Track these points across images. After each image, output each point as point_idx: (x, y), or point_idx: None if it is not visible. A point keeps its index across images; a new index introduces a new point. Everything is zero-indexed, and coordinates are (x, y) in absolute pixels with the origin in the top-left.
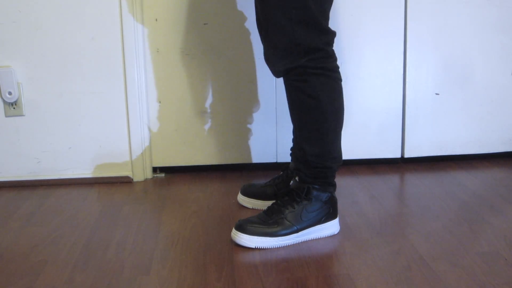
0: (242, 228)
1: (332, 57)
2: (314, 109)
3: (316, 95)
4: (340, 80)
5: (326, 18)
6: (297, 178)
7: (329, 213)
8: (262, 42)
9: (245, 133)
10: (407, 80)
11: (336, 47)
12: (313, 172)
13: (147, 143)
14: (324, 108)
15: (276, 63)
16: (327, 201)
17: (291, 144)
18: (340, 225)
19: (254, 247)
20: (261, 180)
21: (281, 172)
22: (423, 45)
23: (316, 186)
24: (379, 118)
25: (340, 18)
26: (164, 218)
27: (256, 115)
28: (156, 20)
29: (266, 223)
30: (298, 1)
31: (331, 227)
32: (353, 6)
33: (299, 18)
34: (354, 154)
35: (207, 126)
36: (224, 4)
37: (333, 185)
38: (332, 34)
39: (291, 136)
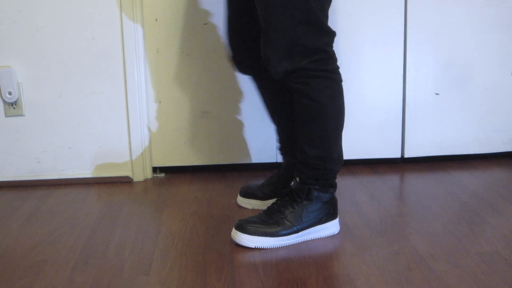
0: (242, 228)
1: (332, 58)
2: (316, 112)
3: (318, 98)
4: (341, 81)
5: (327, 17)
6: (297, 179)
7: (329, 213)
8: (261, 44)
9: (245, 133)
10: (407, 80)
11: (335, 47)
12: (314, 174)
13: (147, 143)
14: (326, 110)
15: (277, 65)
16: (327, 201)
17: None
18: (340, 225)
19: (254, 247)
20: (260, 180)
21: (276, 171)
22: (423, 45)
23: (316, 187)
24: (379, 118)
25: (340, 18)
26: (164, 218)
27: (256, 115)
28: (156, 20)
29: (266, 223)
30: (301, 1)
31: (331, 227)
32: (352, 6)
33: (302, 19)
34: (354, 154)
35: (207, 126)
36: (224, 4)
37: (334, 186)
38: (333, 34)
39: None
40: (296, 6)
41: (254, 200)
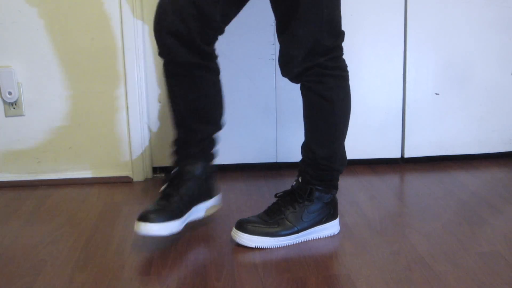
0: (242, 228)
1: (342, 55)
2: (327, 111)
3: (329, 97)
4: (349, 80)
5: (341, 16)
6: (299, 179)
7: (330, 214)
8: (284, 43)
9: (245, 133)
10: (407, 80)
11: None
12: (320, 175)
13: (147, 143)
14: (337, 110)
15: (298, 65)
16: (328, 202)
17: (291, 144)
18: (340, 225)
19: (254, 246)
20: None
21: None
22: (423, 45)
23: (319, 188)
24: (379, 118)
25: None
26: None
27: (256, 115)
28: None
29: (266, 223)
30: (330, 1)
31: (331, 228)
32: (353, 6)
33: (328, 18)
34: (354, 154)
35: None
36: None
37: (336, 188)
38: (344, 33)
39: (291, 136)
40: (326, 6)
41: (172, 221)
